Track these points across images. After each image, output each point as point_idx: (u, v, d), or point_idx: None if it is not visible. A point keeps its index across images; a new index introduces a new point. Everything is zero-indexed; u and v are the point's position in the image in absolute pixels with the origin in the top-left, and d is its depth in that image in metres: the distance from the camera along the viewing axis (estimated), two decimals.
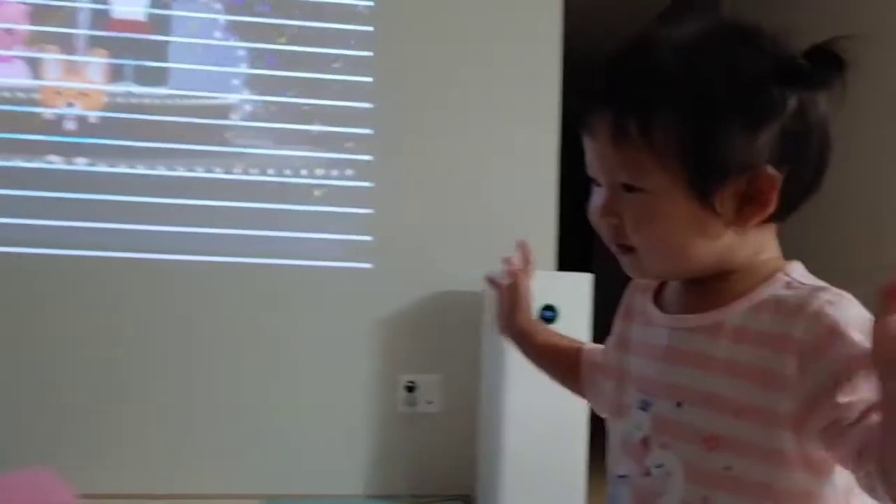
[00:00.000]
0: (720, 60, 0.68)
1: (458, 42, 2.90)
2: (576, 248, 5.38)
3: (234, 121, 2.80)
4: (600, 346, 0.94)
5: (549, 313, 2.32)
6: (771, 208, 0.69)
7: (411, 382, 2.78)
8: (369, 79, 2.86)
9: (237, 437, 2.72)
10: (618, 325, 0.86)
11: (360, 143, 2.85)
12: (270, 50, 2.80)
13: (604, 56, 0.76)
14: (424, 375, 2.80)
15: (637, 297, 0.84)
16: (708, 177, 0.69)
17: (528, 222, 2.88)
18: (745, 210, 0.70)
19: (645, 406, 0.75)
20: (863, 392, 0.60)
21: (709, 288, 0.74)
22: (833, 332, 0.63)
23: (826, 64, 0.68)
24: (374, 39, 2.86)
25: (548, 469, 2.33)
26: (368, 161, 2.84)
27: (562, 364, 0.97)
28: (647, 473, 0.73)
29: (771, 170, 0.69)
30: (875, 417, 0.58)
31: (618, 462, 0.78)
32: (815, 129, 0.71)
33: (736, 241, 0.72)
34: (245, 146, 2.80)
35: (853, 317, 0.64)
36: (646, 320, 0.80)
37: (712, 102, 0.68)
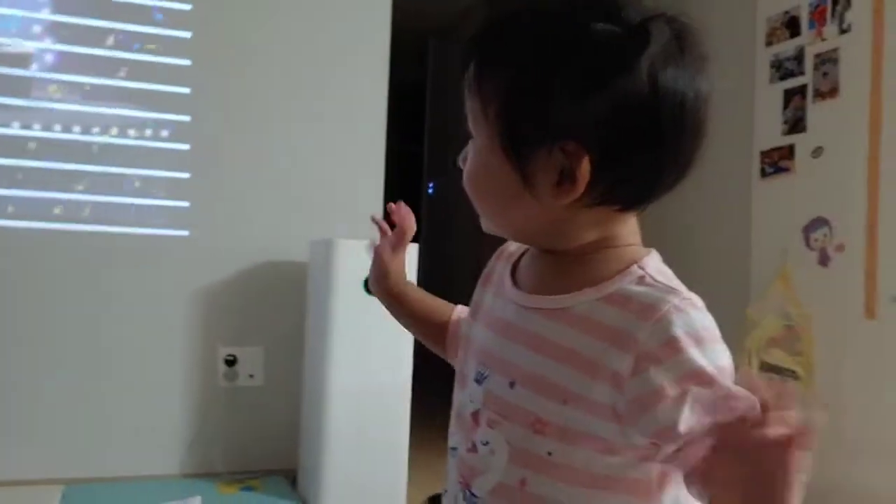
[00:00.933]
0: (553, 21, 0.65)
1: (288, 2, 2.78)
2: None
3: (34, 72, 2.54)
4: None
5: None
6: (580, 188, 0.65)
7: (231, 356, 2.68)
8: (188, 34, 2.68)
9: (38, 416, 2.50)
10: (476, 291, 0.82)
11: (176, 103, 2.67)
12: None
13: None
14: (246, 348, 2.70)
15: (499, 265, 0.81)
16: (518, 136, 0.65)
17: (355, 192, 2.84)
18: (561, 185, 0.65)
19: (480, 379, 0.73)
20: (686, 415, 0.60)
21: (562, 269, 0.71)
22: (672, 345, 0.62)
23: (646, 34, 0.64)
24: None
25: (371, 441, 2.32)
26: (185, 122, 2.67)
27: (432, 330, 0.93)
28: (474, 449, 0.72)
29: (574, 145, 0.64)
30: (699, 449, 0.59)
31: (452, 434, 0.77)
32: (663, 113, 0.65)
33: (571, 220, 0.68)
34: (47, 100, 2.54)
35: (696, 329, 0.63)
36: (498, 290, 0.78)
37: (532, 64, 0.65)
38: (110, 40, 2.61)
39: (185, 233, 2.67)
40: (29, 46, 2.54)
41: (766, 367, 2.63)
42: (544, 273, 0.74)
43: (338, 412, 2.31)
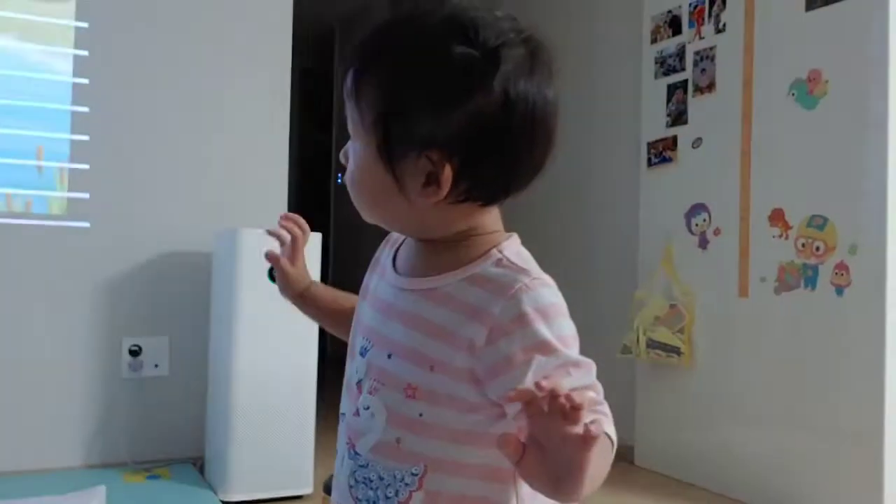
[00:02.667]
0: (422, 44, 0.74)
1: None
2: (316, 210, 5.46)
3: None
4: None
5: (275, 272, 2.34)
6: (444, 191, 0.73)
7: (136, 346, 2.68)
8: (84, 24, 2.66)
9: None
10: (366, 275, 0.91)
11: (74, 93, 2.65)
12: None
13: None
14: (150, 338, 2.70)
15: (385, 251, 0.89)
16: (390, 145, 0.74)
17: (259, 181, 2.87)
18: (428, 188, 0.74)
19: (364, 352, 0.82)
20: (530, 379, 0.68)
21: (432, 255, 0.80)
22: (521, 319, 0.72)
23: (497, 59, 0.72)
24: None
25: (277, 427, 2.37)
26: (84, 113, 2.65)
27: (341, 321, 1.00)
28: (357, 414, 0.81)
29: (438, 155, 0.72)
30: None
31: (342, 402, 0.85)
32: (514, 125, 0.73)
33: (439, 215, 0.77)
34: None
35: (543, 305, 0.73)
36: (381, 274, 0.87)
37: (402, 81, 0.74)
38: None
39: (85, 224, 2.65)
40: None
41: (654, 344, 2.81)
42: (418, 259, 0.83)
43: (243, 399, 2.35)
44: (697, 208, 2.75)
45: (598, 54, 3.34)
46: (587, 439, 0.57)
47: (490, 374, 0.73)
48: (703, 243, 2.72)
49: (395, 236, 0.90)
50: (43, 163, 2.63)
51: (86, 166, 2.66)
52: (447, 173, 0.73)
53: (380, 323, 0.82)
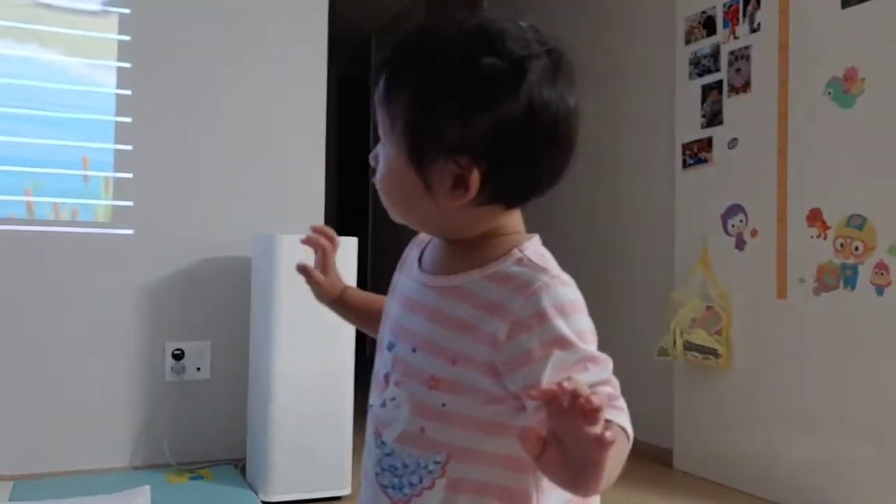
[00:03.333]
0: (452, 54, 0.77)
1: (226, 2, 2.85)
2: (355, 214, 5.52)
3: None
4: None
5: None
6: (472, 194, 0.77)
7: (179, 350, 2.75)
8: (127, 37, 2.74)
9: None
10: (395, 275, 0.95)
11: (118, 105, 2.73)
12: None
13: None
14: (193, 342, 2.77)
15: (411, 251, 0.93)
16: (420, 150, 0.77)
17: (297, 187, 2.92)
18: (456, 190, 0.77)
19: (391, 347, 0.86)
20: (548, 373, 0.72)
21: (457, 254, 0.84)
22: (540, 315, 0.75)
23: (523, 69, 0.75)
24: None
25: (317, 428, 2.41)
26: (127, 124, 2.73)
27: (374, 321, 1.03)
28: (384, 405, 0.84)
29: (467, 160, 0.76)
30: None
31: (370, 394, 0.89)
32: (538, 130, 0.77)
33: (465, 216, 0.80)
34: None
35: (560, 304, 0.76)
36: (408, 273, 0.90)
37: (432, 89, 0.77)
38: (46, 43, 2.65)
39: (129, 231, 2.73)
40: None
41: (691, 346, 2.80)
42: (443, 258, 0.87)
43: (283, 401, 2.40)
44: (734, 209, 2.73)
45: (632, 56, 3.33)
46: (604, 441, 0.58)
47: (510, 368, 0.75)
48: (740, 244, 2.70)
49: (422, 237, 0.93)
50: (89, 172, 2.71)
51: (129, 175, 2.73)
52: (475, 177, 0.76)
53: (405, 318, 0.86)
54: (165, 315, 2.75)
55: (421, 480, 0.80)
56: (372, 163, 0.86)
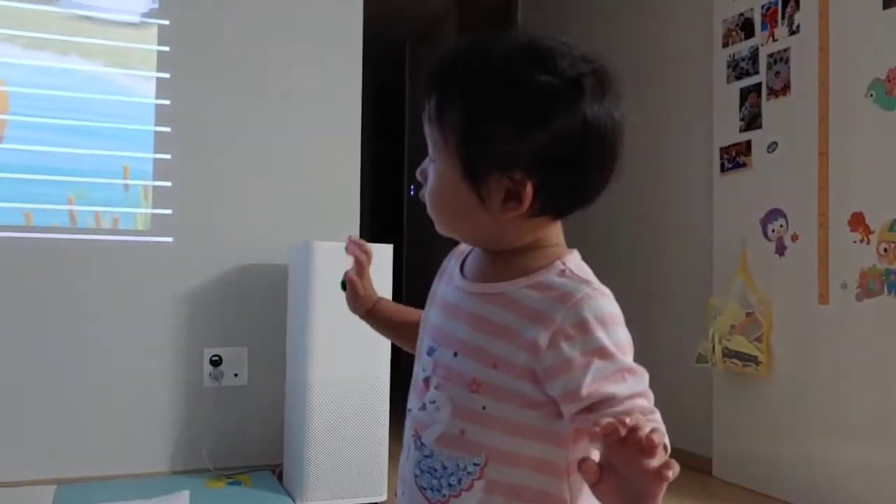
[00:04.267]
0: (505, 72, 0.79)
1: (262, 11, 2.88)
2: (390, 221, 5.54)
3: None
4: None
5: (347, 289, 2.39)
6: (525, 206, 0.79)
7: (217, 356, 2.77)
8: (166, 48, 2.78)
9: (29, 418, 2.58)
10: (434, 284, 0.97)
11: (157, 115, 2.77)
12: None
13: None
14: (230, 349, 2.80)
15: (452, 261, 0.95)
16: (474, 166, 0.80)
17: (333, 195, 2.94)
18: (508, 203, 0.80)
19: (431, 351, 0.88)
20: (588, 381, 0.74)
21: (500, 263, 0.86)
22: (582, 326, 0.77)
23: (580, 87, 0.78)
24: (173, 7, 2.78)
25: (352, 435, 2.42)
26: (166, 133, 2.77)
27: (406, 332, 1.07)
28: (424, 408, 0.86)
29: (521, 174, 0.78)
30: (596, 417, 0.72)
31: (409, 399, 0.91)
32: (589, 146, 0.79)
33: (512, 228, 0.83)
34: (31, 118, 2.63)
35: (601, 315, 0.78)
36: (449, 281, 0.93)
37: (487, 106, 0.79)
38: (89, 55, 2.70)
39: (169, 239, 2.76)
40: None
41: (730, 353, 2.76)
42: (486, 266, 0.89)
43: (319, 407, 2.41)
44: (774, 214, 2.69)
45: (669, 60, 3.30)
46: (663, 475, 0.60)
47: (550, 375, 0.78)
48: (781, 249, 2.66)
49: (462, 247, 0.95)
50: (129, 181, 2.76)
51: (168, 183, 2.77)
52: (528, 191, 0.79)
53: (446, 324, 0.88)
54: (204, 321, 2.78)
55: (460, 482, 0.82)
56: (420, 178, 0.88)
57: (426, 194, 0.86)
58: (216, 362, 2.77)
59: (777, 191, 2.68)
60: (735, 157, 2.85)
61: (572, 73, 0.78)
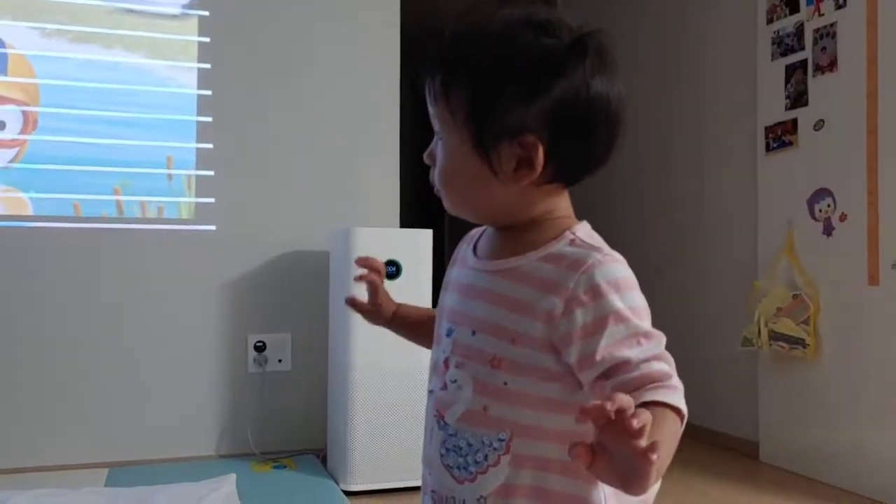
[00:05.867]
0: (507, 41, 0.80)
1: (298, 6, 2.90)
2: (434, 208, 5.53)
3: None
4: None
5: (391, 268, 2.41)
6: (537, 171, 0.80)
7: (261, 342, 2.81)
8: (206, 39, 2.81)
9: (82, 404, 2.66)
10: (447, 271, 0.98)
11: (199, 105, 2.81)
12: None
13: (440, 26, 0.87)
14: (274, 335, 2.84)
15: (464, 247, 0.96)
16: (485, 136, 0.80)
17: (372, 182, 2.95)
18: (520, 171, 0.80)
19: (449, 333, 0.88)
20: (603, 345, 0.75)
21: (511, 239, 0.86)
22: (595, 291, 0.77)
23: (583, 48, 0.79)
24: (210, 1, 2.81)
25: (394, 419, 2.44)
26: (208, 123, 2.81)
27: (430, 331, 1.05)
28: (445, 388, 0.86)
29: (532, 137, 0.79)
30: (615, 381, 0.73)
31: (429, 380, 0.91)
32: (595, 108, 0.80)
33: (524, 198, 0.84)
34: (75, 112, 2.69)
35: (614, 279, 0.78)
36: (462, 264, 0.94)
37: (492, 74, 0.80)
38: (125, 44, 2.75)
39: (212, 227, 2.81)
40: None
41: (777, 336, 2.71)
42: (498, 244, 0.89)
43: (362, 392, 2.43)
44: (821, 193, 2.63)
45: (712, 38, 3.23)
46: (649, 457, 0.60)
47: (566, 343, 0.78)
48: (828, 230, 2.60)
49: (473, 233, 0.96)
50: (173, 171, 2.81)
51: (211, 173, 2.81)
52: (540, 155, 0.79)
53: (462, 304, 0.89)
54: (247, 308, 2.82)
55: (486, 458, 0.82)
56: (428, 161, 0.88)
57: (436, 174, 0.87)
58: (260, 348, 2.81)
59: (824, 170, 2.62)
60: (780, 137, 2.79)
61: (573, 37, 0.80)
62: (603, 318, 0.76)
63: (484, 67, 0.80)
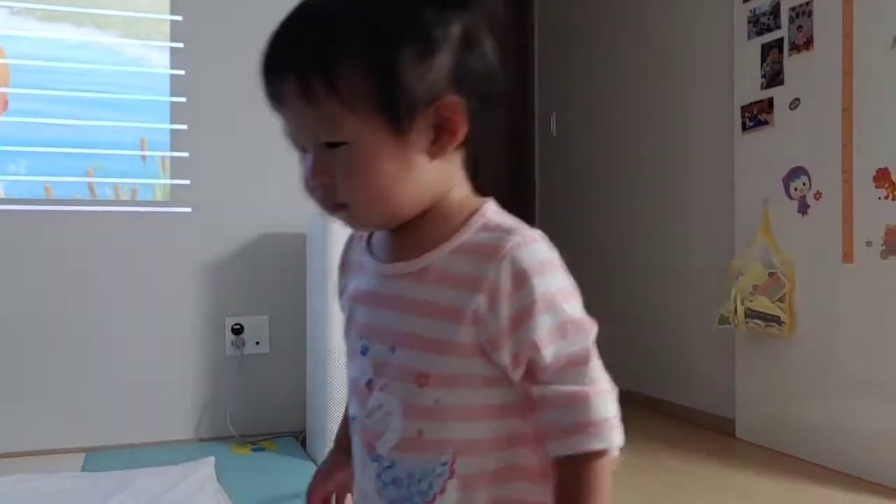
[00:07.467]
0: (382, 3, 0.71)
1: None
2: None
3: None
4: None
5: None
6: (462, 133, 0.72)
7: (238, 325, 2.80)
8: (179, 17, 2.77)
9: (57, 389, 2.63)
10: (339, 280, 0.89)
11: (172, 85, 2.77)
12: None
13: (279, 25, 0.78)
14: (251, 317, 2.82)
15: (354, 249, 0.86)
16: (399, 112, 0.70)
17: None
18: (440, 140, 0.72)
19: (364, 351, 0.79)
20: (537, 336, 0.70)
21: (411, 234, 0.76)
22: (519, 278, 0.70)
23: None
24: None
25: None
26: (181, 103, 2.77)
27: None
28: (370, 415, 0.77)
29: (452, 96, 0.71)
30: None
31: (350, 404, 0.82)
32: (483, 58, 0.74)
33: (442, 174, 0.75)
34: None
35: (537, 260, 0.71)
36: (360, 270, 0.83)
37: (382, 42, 0.70)
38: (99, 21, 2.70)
39: (187, 209, 2.78)
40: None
41: (753, 314, 2.73)
42: (398, 242, 0.79)
43: (341, 374, 2.42)
44: (796, 172, 2.64)
45: (687, 17, 3.23)
46: None
47: (497, 343, 0.71)
48: (803, 208, 2.62)
49: (358, 234, 0.87)
50: (146, 152, 2.77)
51: (185, 154, 2.77)
52: (461, 112, 0.72)
53: (374, 317, 0.79)
54: (224, 290, 2.80)
55: (431, 487, 0.74)
56: (323, 179, 0.76)
57: (345, 187, 0.74)
58: (238, 331, 2.79)
59: (799, 149, 2.63)
60: (756, 115, 2.80)
61: None
62: (529, 307, 0.70)
63: (367, 39, 0.70)
